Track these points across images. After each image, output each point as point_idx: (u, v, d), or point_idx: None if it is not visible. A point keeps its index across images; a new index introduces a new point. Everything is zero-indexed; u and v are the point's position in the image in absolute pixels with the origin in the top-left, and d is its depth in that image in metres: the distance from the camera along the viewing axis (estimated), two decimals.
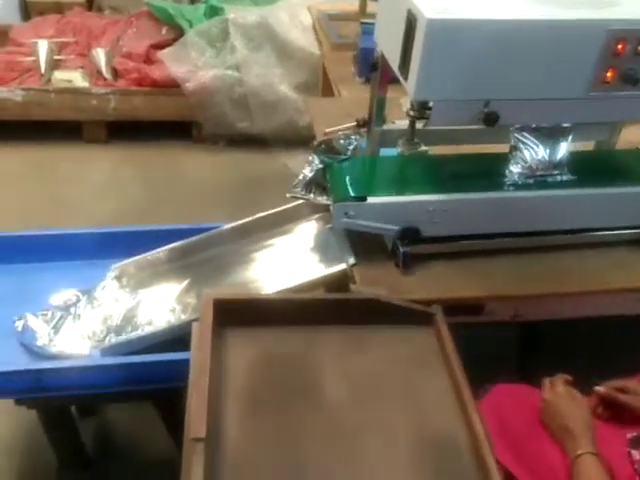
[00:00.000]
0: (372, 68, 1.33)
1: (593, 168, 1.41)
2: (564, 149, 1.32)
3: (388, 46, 1.23)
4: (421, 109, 1.20)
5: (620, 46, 1.10)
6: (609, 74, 1.13)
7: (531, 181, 1.31)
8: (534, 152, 1.30)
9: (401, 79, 1.16)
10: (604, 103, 1.18)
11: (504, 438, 1.12)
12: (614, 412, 1.16)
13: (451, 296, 1.26)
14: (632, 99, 1.17)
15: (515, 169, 1.31)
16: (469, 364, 1.11)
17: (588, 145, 1.54)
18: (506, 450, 1.10)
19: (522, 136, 1.29)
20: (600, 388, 1.16)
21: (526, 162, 1.29)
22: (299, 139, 3.10)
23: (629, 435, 1.11)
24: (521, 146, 1.30)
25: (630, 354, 1.39)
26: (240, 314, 1.15)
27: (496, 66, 1.09)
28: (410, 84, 1.11)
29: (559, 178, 1.32)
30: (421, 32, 1.04)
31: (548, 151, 1.30)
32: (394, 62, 1.19)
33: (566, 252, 1.35)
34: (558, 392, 1.10)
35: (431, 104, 1.16)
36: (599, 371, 1.26)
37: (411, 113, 1.23)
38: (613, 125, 1.47)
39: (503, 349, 1.84)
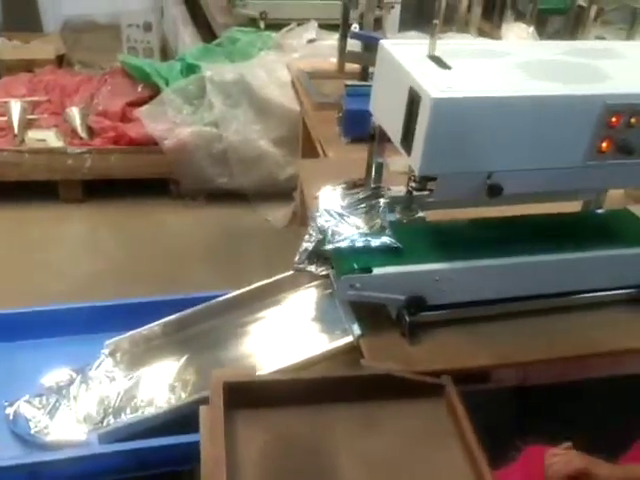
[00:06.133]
0: (370, 138, 1.35)
1: (585, 231, 1.44)
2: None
3: (387, 120, 1.25)
4: (423, 181, 1.21)
5: (614, 119, 1.14)
6: (605, 144, 1.17)
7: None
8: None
9: (403, 153, 1.17)
10: (601, 171, 1.21)
11: None
12: None
13: (459, 366, 1.25)
14: (628, 167, 1.21)
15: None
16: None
17: (577, 205, 1.57)
18: None
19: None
20: None
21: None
22: (279, 193, 3.12)
23: None
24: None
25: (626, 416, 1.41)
26: (250, 395, 1.12)
27: (498, 139, 1.12)
28: (415, 159, 1.12)
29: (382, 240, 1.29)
30: (426, 110, 1.06)
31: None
32: (394, 136, 1.20)
33: (569, 314, 1.37)
34: None
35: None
36: (600, 434, 1.26)
37: (412, 185, 1.24)
38: None
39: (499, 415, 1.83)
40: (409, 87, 1.11)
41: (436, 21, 1.17)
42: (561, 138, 1.15)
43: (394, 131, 1.20)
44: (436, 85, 1.07)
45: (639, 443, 1.32)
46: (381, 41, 1.27)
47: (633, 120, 1.15)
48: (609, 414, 1.68)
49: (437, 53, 1.20)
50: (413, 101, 1.10)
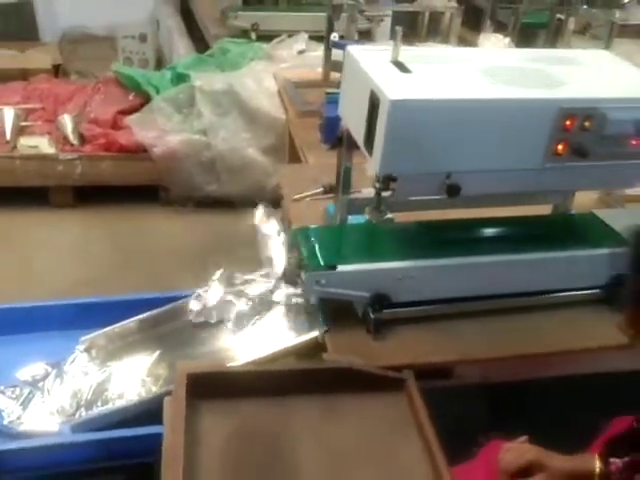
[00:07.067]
0: (338, 141, 1.39)
1: (550, 232, 1.48)
2: None
3: (353, 123, 1.29)
4: (386, 181, 1.25)
5: (569, 122, 1.18)
6: (560, 147, 1.21)
7: None
8: None
9: (366, 154, 1.21)
10: (558, 174, 1.25)
11: None
12: None
13: (421, 361, 1.28)
14: (584, 170, 1.25)
15: None
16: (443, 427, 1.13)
17: (547, 209, 1.61)
18: None
19: None
20: None
21: None
22: (266, 201, 3.14)
23: None
24: None
25: (589, 413, 1.44)
26: (214, 386, 1.15)
27: (456, 141, 1.16)
28: (375, 160, 1.16)
29: None
30: (384, 112, 1.10)
31: None
32: (359, 138, 1.24)
33: (532, 313, 1.40)
34: None
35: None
36: (566, 432, 1.29)
37: (377, 185, 1.28)
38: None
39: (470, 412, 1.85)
40: (370, 90, 1.16)
41: (399, 28, 1.21)
42: (519, 141, 1.19)
43: (359, 134, 1.24)
44: (395, 88, 1.11)
45: (598, 441, 1.35)
46: (348, 47, 1.32)
47: (587, 124, 1.18)
48: (577, 412, 1.70)
49: (400, 59, 1.25)
50: (374, 104, 1.14)
